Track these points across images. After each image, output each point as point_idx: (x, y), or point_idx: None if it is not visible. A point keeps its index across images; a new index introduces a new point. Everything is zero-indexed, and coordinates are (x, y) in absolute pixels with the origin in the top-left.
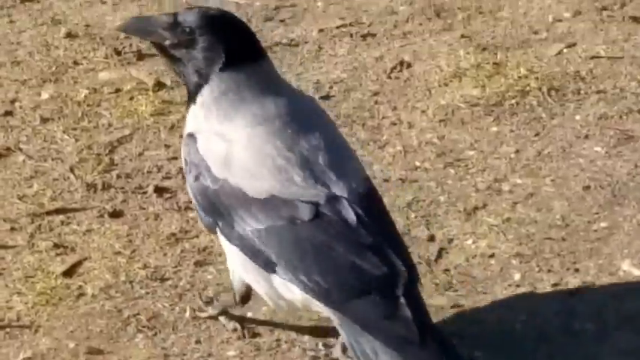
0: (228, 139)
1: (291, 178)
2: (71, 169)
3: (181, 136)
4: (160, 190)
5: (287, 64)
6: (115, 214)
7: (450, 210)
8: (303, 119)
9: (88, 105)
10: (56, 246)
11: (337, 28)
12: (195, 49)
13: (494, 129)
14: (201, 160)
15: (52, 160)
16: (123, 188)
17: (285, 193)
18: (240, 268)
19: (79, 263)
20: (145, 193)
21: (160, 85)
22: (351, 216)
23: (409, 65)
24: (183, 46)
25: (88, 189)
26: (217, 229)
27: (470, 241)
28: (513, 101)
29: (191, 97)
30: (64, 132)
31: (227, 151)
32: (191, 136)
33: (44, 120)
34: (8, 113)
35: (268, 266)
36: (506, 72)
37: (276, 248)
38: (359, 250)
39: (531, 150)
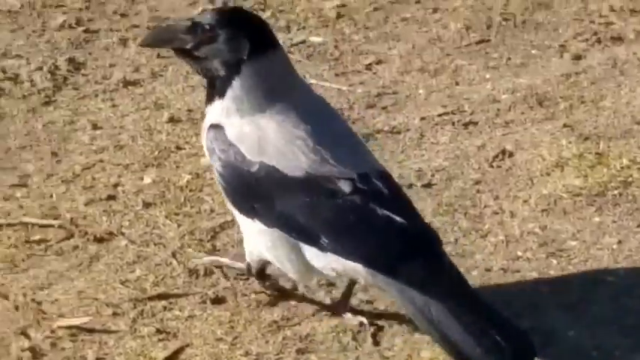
0: (258, 126)
1: (323, 158)
2: (173, 255)
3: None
4: (262, 277)
5: (389, 152)
6: (217, 301)
7: (552, 301)
8: (323, 110)
9: (190, 190)
10: (158, 331)
11: (439, 115)
12: (219, 42)
13: (597, 219)
14: (231, 146)
15: (155, 245)
16: (225, 274)
17: (321, 171)
18: (269, 249)
19: (181, 349)
20: (247, 279)
21: None
22: (383, 190)
23: (511, 154)
24: (205, 44)
25: (190, 275)
26: (251, 214)
27: (573, 333)
28: (616, 192)
29: (218, 92)
30: (166, 217)
31: (259, 136)
32: (217, 126)
33: (147, 205)
34: (111, 197)
35: (312, 240)
36: (608, 162)
37: (322, 221)
38: (398, 217)
39: (634, 241)
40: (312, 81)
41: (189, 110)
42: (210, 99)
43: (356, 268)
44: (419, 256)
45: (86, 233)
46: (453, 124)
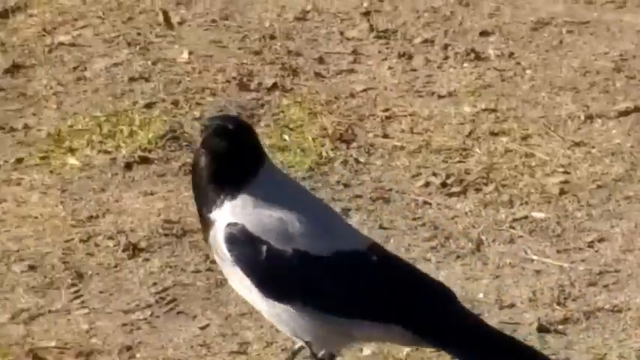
0: (275, 217)
1: (342, 234)
2: None
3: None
4: None
5: (609, 330)
6: None
7: None
8: (315, 199)
9: None
10: None
11: None
12: (238, 151)
13: None
14: (256, 239)
15: None
16: None
17: (348, 246)
18: (307, 330)
19: None
20: None
21: None
22: (394, 255)
23: None
24: (221, 152)
25: None
26: (288, 302)
27: None
28: None
29: (228, 194)
30: None
31: (280, 226)
32: (234, 224)
33: None
34: None
35: (355, 313)
36: None
37: (363, 293)
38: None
39: None
40: (534, 257)
41: None
42: (215, 203)
43: (403, 334)
44: (454, 310)
45: None
46: None
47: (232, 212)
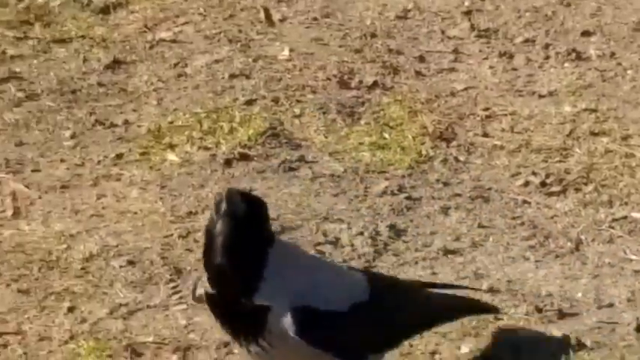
0: (320, 284)
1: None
2: None
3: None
4: None
5: None
6: None
7: None
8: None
9: None
10: None
11: None
12: (252, 232)
13: None
14: (324, 314)
15: None
16: None
17: (363, 282)
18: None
19: None
20: None
21: (580, 345)
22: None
23: None
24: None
25: None
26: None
27: None
28: None
29: (254, 277)
30: None
31: (330, 292)
32: (299, 306)
33: None
34: None
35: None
36: None
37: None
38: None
39: None
40: (633, 257)
41: (509, 281)
42: (249, 288)
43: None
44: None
45: None
46: None
47: (279, 293)
